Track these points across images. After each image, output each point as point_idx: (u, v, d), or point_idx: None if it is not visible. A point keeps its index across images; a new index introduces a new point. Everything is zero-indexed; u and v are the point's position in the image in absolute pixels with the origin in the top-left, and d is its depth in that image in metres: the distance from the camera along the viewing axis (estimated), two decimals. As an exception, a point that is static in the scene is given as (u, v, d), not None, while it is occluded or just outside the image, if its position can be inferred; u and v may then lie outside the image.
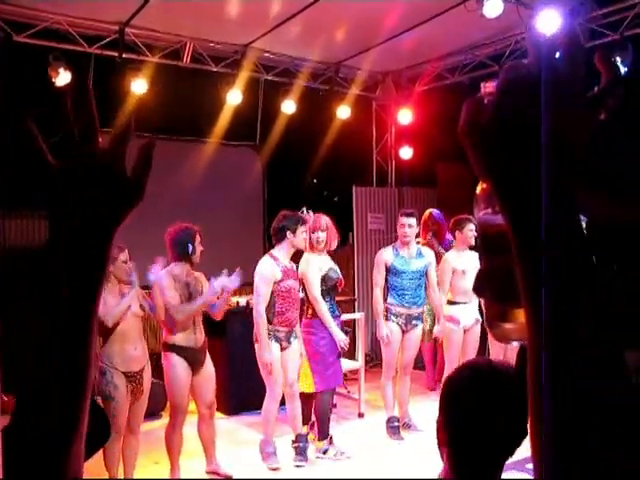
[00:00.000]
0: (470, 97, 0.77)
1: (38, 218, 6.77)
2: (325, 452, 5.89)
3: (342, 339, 5.76)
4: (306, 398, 5.92)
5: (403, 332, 6.28)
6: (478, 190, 1.00)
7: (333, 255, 6.19)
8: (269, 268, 5.49)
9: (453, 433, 1.65)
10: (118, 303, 4.62)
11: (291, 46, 8.50)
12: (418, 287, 6.26)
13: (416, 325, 6.33)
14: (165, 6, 6.90)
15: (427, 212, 7.57)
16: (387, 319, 6.23)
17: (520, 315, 0.75)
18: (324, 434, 5.90)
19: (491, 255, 0.87)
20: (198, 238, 5.16)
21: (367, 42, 8.40)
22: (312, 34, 8.04)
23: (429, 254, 6.42)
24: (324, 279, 5.79)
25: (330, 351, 5.78)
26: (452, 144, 7.56)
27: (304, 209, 6.02)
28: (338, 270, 5.97)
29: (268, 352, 5.42)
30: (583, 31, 7.54)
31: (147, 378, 4.90)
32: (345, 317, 6.73)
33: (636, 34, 7.19)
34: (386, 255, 6.27)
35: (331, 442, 5.92)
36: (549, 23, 6.50)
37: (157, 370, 5.55)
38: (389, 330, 6.20)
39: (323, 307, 5.73)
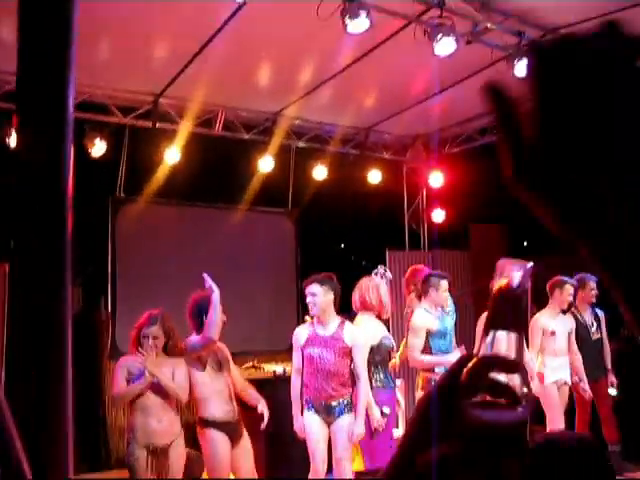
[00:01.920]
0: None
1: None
2: None
3: (377, 419, 5.41)
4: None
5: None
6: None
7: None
8: (298, 331, 5.38)
9: None
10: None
11: (321, 112, 8.62)
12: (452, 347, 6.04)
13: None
14: (197, 76, 7.06)
15: (411, 268, 7.08)
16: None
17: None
18: None
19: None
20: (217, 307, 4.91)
21: (396, 106, 8.48)
22: (342, 100, 8.15)
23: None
24: (377, 348, 5.53)
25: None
26: (483, 205, 7.57)
27: (381, 268, 5.91)
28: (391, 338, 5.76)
29: (296, 421, 5.27)
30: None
31: (177, 454, 4.69)
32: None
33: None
34: (426, 319, 5.85)
35: None
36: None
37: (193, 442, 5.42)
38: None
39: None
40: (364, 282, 5.78)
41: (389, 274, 5.90)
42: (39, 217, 0.92)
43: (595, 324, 6.74)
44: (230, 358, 5.13)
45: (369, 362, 5.42)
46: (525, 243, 13.25)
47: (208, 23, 6.15)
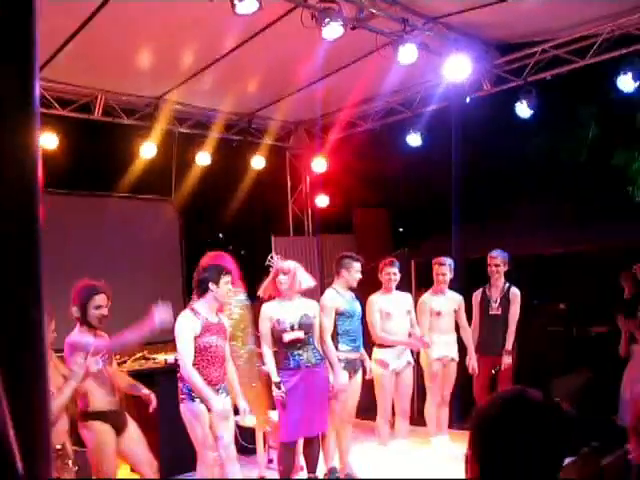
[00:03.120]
0: None
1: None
2: None
3: (275, 392, 5.52)
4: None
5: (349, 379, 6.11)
6: None
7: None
8: (187, 322, 5.25)
9: (487, 466, 1.55)
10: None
11: (204, 98, 8.49)
12: (362, 330, 6.18)
13: (358, 371, 6.18)
14: (75, 59, 6.76)
15: None
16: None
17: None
18: None
19: None
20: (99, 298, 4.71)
21: (279, 92, 8.48)
22: (224, 86, 8.05)
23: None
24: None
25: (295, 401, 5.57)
26: (366, 190, 7.71)
27: (273, 256, 5.87)
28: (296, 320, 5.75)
29: (216, 404, 5.18)
30: (489, 77, 7.87)
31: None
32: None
33: (539, 79, 7.53)
34: (335, 300, 6.01)
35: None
36: (458, 69, 6.74)
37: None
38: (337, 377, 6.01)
39: (266, 358, 5.59)
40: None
41: (277, 260, 5.87)
42: (10, 213, 0.87)
43: (499, 300, 6.93)
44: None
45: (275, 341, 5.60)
46: (401, 229, 13.63)
47: (86, 1, 5.89)
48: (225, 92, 8.30)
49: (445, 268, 6.77)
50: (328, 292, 6.13)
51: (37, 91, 0.96)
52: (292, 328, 5.59)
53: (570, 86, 8.24)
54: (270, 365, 5.56)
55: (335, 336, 5.98)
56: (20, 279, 0.84)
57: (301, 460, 5.93)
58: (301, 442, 5.83)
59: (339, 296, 6.06)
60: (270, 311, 5.62)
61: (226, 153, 9.53)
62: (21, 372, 0.84)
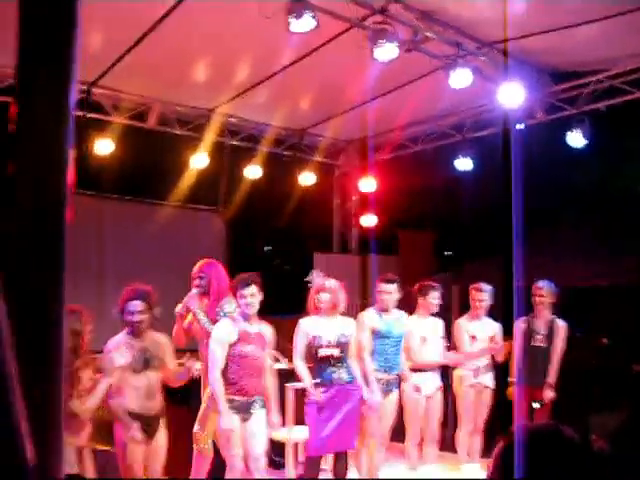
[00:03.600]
0: None
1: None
2: None
3: (311, 389, 5.50)
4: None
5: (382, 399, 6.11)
6: None
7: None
8: (224, 329, 5.30)
9: None
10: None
11: (257, 112, 8.60)
12: (398, 352, 6.17)
13: (393, 391, 6.18)
14: (133, 67, 6.93)
15: None
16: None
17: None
18: None
19: None
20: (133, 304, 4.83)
21: (331, 110, 8.54)
22: (278, 101, 8.15)
23: (405, 318, 6.35)
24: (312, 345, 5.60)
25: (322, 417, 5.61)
26: (413, 212, 7.69)
27: (313, 271, 5.93)
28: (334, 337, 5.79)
29: (224, 420, 5.20)
30: (542, 105, 7.81)
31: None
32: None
33: (592, 109, 7.45)
34: (371, 318, 6.09)
35: None
36: (511, 95, 6.70)
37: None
38: (372, 397, 6.01)
39: (297, 366, 5.61)
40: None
41: (318, 276, 5.92)
42: (38, 214, 0.90)
43: (544, 332, 6.83)
44: (168, 352, 4.99)
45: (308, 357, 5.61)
46: (450, 252, 13.53)
47: (148, 13, 6.05)
48: (277, 107, 8.39)
49: (483, 295, 6.71)
50: (367, 311, 6.18)
51: (73, 92, 0.99)
52: (328, 345, 5.63)
53: (624, 117, 8.11)
54: (305, 375, 5.58)
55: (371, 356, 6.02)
56: (42, 276, 0.87)
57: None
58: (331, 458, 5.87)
59: (377, 316, 6.08)
60: (308, 327, 5.65)
61: (275, 168, 9.61)
62: (38, 366, 0.87)
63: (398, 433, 6.75)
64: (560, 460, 1.51)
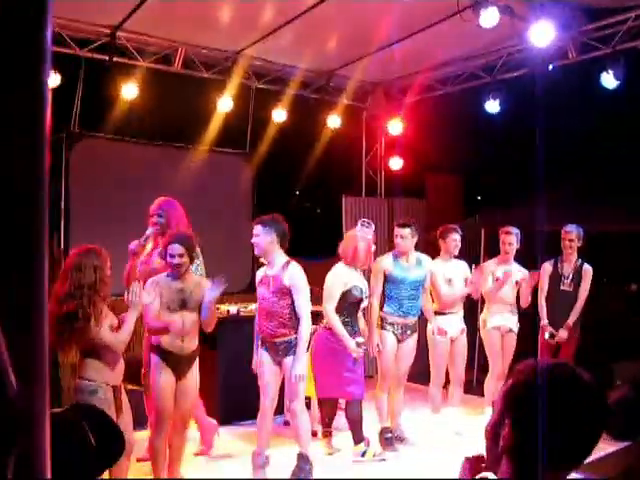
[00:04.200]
0: None
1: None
2: (363, 454, 5.87)
3: (353, 348, 5.65)
4: (319, 402, 6.14)
5: (398, 342, 6.21)
6: None
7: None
8: (258, 272, 5.50)
9: (523, 438, 1.55)
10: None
11: (283, 54, 8.48)
12: (416, 297, 6.21)
13: (411, 335, 6.26)
14: (157, 11, 6.85)
15: None
16: (383, 328, 6.16)
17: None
18: (358, 439, 5.90)
19: None
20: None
21: (359, 52, 8.39)
22: (304, 42, 8.01)
23: (428, 263, 6.37)
24: (345, 295, 5.72)
25: (338, 361, 5.72)
26: (441, 155, 7.61)
27: (365, 220, 5.98)
28: (364, 289, 5.87)
29: (253, 358, 5.44)
30: (575, 44, 7.58)
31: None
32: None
33: (628, 48, 7.21)
34: (386, 263, 6.19)
35: (368, 444, 5.92)
36: (543, 35, 6.52)
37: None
38: (384, 339, 6.14)
39: (333, 320, 5.68)
40: (348, 232, 6.05)
41: (371, 225, 5.97)
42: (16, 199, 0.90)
43: (571, 276, 6.80)
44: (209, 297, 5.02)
45: (339, 306, 5.70)
46: (479, 197, 13.40)
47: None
48: (304, 49, 8.26)
49: (512, 237, 6.66)
50: (384, 256, 6.28)
51: (48, 73, 0.96)
52: (363, 297, 5.78)
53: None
54: (341, 329, 5.68)
55: (384, 299, 6.11)
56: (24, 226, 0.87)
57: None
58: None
59: (392, 260, 6.16)
60: (346, 276, 5.74)
61: (303, 111, 9.52)
62: (21, 316, 0.88)
63: (423, 376, 6.83)
64: (573, 402, 1.52)
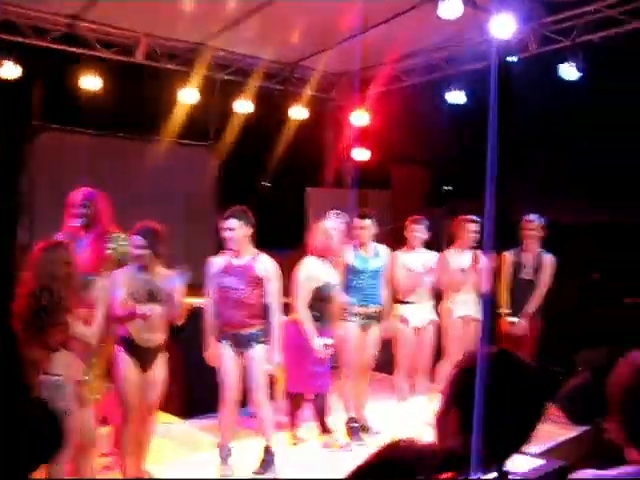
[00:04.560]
0: None
1: None
2: (329, 445, 5.93)
3: (319, 348, 5.64)
4: (286, 394, 6.11)
5: (362, 332, 6.24)
6: None
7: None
8: (213, 261, 5.36)
9: (469, 425, 1.57)
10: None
11: (247, 45, 8.44)
12: (376, 286, 6.25)
13: (375, 324, 6.30)
14: (119, 1, 6.78)
15: None
16: (346, 319, 6.18)
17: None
18: (324, 429, 5.99)
19: None
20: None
21: (323, 43, 8.40)
22: (268, 33, 7.99)
23: (386, 253, 6.41)
24: (317, 290, 5.72)
25: (306, 355, 5.72)
26: (407, 146, 7.62)
27: (336, 211, 5.97)
28: (336, 283, 5.87)
29: (205, 349, 5.37)
30: (535, 36, 7.66)
31: None
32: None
33: (586, 41, 7.31)
34: (346, 255, 6.21)
35: (333, 435, 5.99)
36: (503, 27, 6.57)
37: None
38: (348, 330, 6.16)
39: (304, 317, 5.67)
40: (318, 225, 5.94)
41: (343, 216, 5.98)
42: None
43: (532, 266, 6.86)
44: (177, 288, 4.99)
45: (310, 301, 5.69)
46: (446, 188, 13.46)
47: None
48: (268, 40, 8.24)
49: (473, 226, 6.71)
50: (344, 248, 6.22)
51: None
52: (335, 292, 5.79)
53: (620, 49, 7.96)
54: (310, 327, 5.68)
55: (347, 291, 6.13)
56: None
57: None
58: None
59: (352, 252, 6.19)
60: (318, 270, 5.75)
61: (267, 102, 9.49)
62: None
63: (390, 366, 6.87)
64: (514, 388, 1.57)
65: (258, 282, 5.23)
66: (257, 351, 5.27)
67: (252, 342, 5.26)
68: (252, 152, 10.32)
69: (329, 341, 5.75)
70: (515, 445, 1.61)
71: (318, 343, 5.65)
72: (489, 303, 6.88)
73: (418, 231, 6.51)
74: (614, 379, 1.95)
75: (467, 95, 8.36)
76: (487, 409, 1.50)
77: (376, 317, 6.30)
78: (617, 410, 1.89)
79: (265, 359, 5.28)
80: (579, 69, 7.24)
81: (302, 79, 9.52)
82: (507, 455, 1.61)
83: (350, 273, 6.16)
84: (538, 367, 1.66)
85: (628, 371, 1.91)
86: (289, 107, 9.45)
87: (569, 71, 7.31)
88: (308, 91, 9.61)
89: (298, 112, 9.43)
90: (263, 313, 5.27)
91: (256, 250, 5.33)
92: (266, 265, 5.27)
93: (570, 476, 1.94)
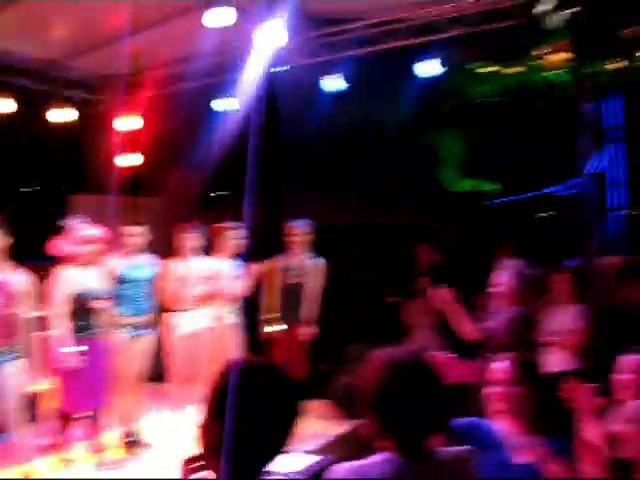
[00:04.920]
0: None
1: None
2: (101, 463, 5.67)
3: (65, 358, 5.38)
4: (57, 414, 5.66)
5: (133, 342, 6.07)
6: None
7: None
8: None
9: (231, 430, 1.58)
10: None
11: (7, 39, 7.86)
12: (147, 295, 6.13)
13: (146, 334, 6.16)
14: None
15: None
16: (116, 329, 5.96)
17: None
18: (96, 447, 5.73)
19: None
20: None
21: (91, 44, 8.08)
22: (33, 28, 7.50)
23: (156, 262, 6.31)
24: (76, 299, 5.47)
25: (81, 374, 5.42)
26: (177, 151, 7.55)
27: (80, 219, 5.63)
28: (99, 289, 5.61)
29: None
30: (301, 49, 7.97)
31: None
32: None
33: (350, 55, 7.77)
34: (115, 264, 6.00)
35: (105, 451, 5.75)
36: (270, 37, 6.73)
37: None
38: (117, 341, 5.95)
39: (56, 327, 5.37)
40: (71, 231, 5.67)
41: (76, 222, 5.71)
42: None
43: (298, 269, 6.97)
44: None
45: (72, 310, 5.44)
46: (216, 194, 13.51)
47: None
48: (32, 36, 7.74)
49: (233, 234, 6.72)
50: (111, 258, 6.04)
51: None
52: (98, 297, 5.55)
53: (379, 64, 8.54)
54: (59, 339, 5.40)
55: (117, 301, 5.94)
56: None
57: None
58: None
59: (120, 261, 6.05)
60: (72, 278, 5.49)
61: (28, 103, 8.93)
62: None
63: (163, 375, 6.74)
64: (266, 396, 1.64)
65: (14, 296, 4.97)
66: (9, 369, 4.94)
67: (6, 357, 4.93)
68: (13, 157, 9.69)
69: (84, 348, 5.49)
70: (271, 451, 1.65)
71: (64, 351, 5.38)
72: (248, 310, 6.97)
73: (188, 239, 6.46)
74: (362, 381, 2.06)
75: (238, 104, 8.48)
76: (238, 420, 1.55)
77: (147, 326, 6.18)
78: (370, 409, 2.00)
79: (18, 378, 4.98)
80: (347, 80, 7.70)
81: (69, 80, 9.09)
82: (264, 461, 1.65)
83: (120, 282, 5.99)
84: (283, 372, 1.74)
85: (373, 370, 2.03)
86: (54, 108, 8.97)
87: (332, 83, 7.72)
88: (76, 93, 9.19)
89: (64, 114, 8.99)
90: (14, 329, 4.97)
91: (10, 262, 5.04)
92: (23, 278, 5.05)
93: (325, 474, 2.04)
